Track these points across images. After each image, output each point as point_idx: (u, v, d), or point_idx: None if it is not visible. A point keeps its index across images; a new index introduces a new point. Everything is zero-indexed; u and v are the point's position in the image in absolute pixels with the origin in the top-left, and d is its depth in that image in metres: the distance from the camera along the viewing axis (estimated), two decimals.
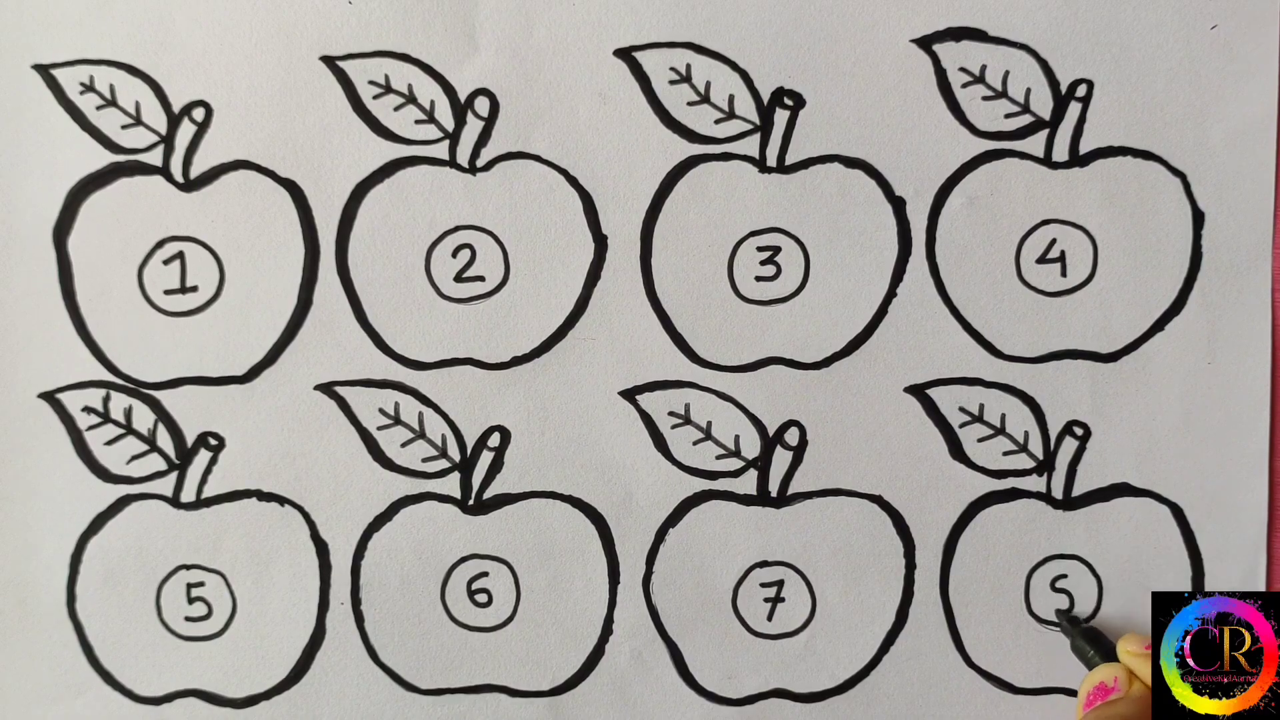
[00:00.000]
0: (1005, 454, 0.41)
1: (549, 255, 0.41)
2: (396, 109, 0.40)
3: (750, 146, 0.40)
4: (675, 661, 0.42)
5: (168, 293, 0.41)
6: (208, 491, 0.41)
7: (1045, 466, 0.41)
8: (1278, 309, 0.41)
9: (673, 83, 0.40)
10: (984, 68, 0.40)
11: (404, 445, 0.41)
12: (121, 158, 0.40)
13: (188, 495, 0.41)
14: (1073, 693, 0.42)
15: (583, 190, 0.40)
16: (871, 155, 0.40)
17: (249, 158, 0.40)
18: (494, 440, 0.41)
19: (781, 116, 0.40)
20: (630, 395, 0.41)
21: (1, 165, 0.40)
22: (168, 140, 0.40)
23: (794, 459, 0.41)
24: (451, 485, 0.41)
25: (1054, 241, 0.41)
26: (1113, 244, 0.41)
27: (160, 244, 0.40)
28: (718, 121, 0.40)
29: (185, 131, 0.40)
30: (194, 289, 0.41)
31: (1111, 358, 0.41)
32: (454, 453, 0.41)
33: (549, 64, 0.40)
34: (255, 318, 0.41)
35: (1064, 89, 0.40)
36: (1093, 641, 0.40)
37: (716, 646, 0.42)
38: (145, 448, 0.41)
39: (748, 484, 0.42)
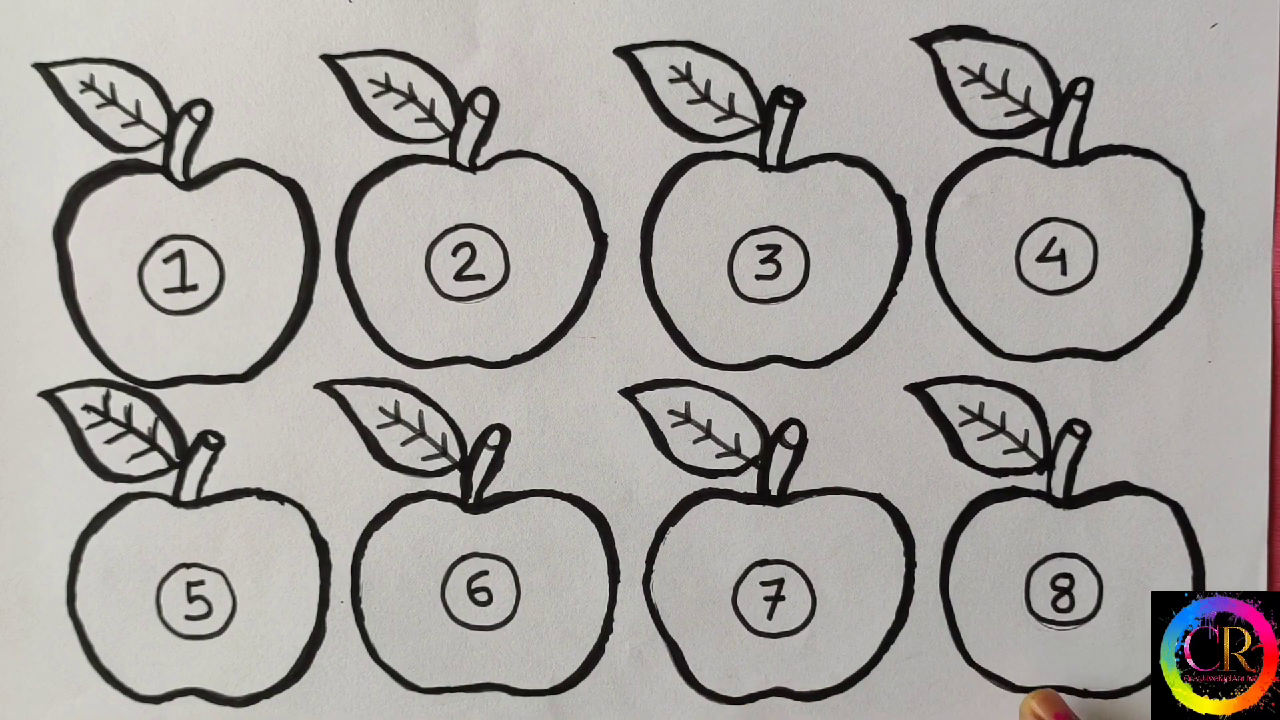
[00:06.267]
0: (1005, 452, 0.41)
1: (549, 254, 0.41)
2: (396, 107, 0.40)
3: (750, 145, 0.40)
4: (675, 660, 0.42)
5: (168, 291, 0.41)
6: (208, 490, 0.41)
7: (1045, 465, 0.41)
8: (1278, 308, 0.41)
9: (673, 81, 0.40)
10: (984, 66, 0.40)
11: (404, 444, 0.41)
12: (122, 156, 0.40)
13: (188, 494, 0.41)
14: (1074, 692, 0.42)
15: (583, 189, 0.40)
16: (871, 153, 0.40)
17: (249, 156, 0.40)
18: (494, 439, 0.41)
19: (781, 115, 0.40)
20: (630, 394, 0.41)
21: (1, 164, 0.40)
22: (168, 139, 0.40)
23: (794, 457, 0.41)
24: (451, 484, 0.41)
25: (1054, 240, 0.41)
26: (1113, 242, 0.41)
27: (160, 242, 0.40)
28: (718, 120, 0.40)
29: (185, 130, 0.40)
30: (194, 287, 0.41)
31: (1112, 356, 0.41)
32: (454, 451, 0.41)
33: (549, 62, 0.40)
34: (255, 316, 0.41)
35: (1064, 87, 0.40)
36: None
37: (716, 645, 0.42)
38: (145, 446, 0.41)
39: (748, 482, 0.42)
